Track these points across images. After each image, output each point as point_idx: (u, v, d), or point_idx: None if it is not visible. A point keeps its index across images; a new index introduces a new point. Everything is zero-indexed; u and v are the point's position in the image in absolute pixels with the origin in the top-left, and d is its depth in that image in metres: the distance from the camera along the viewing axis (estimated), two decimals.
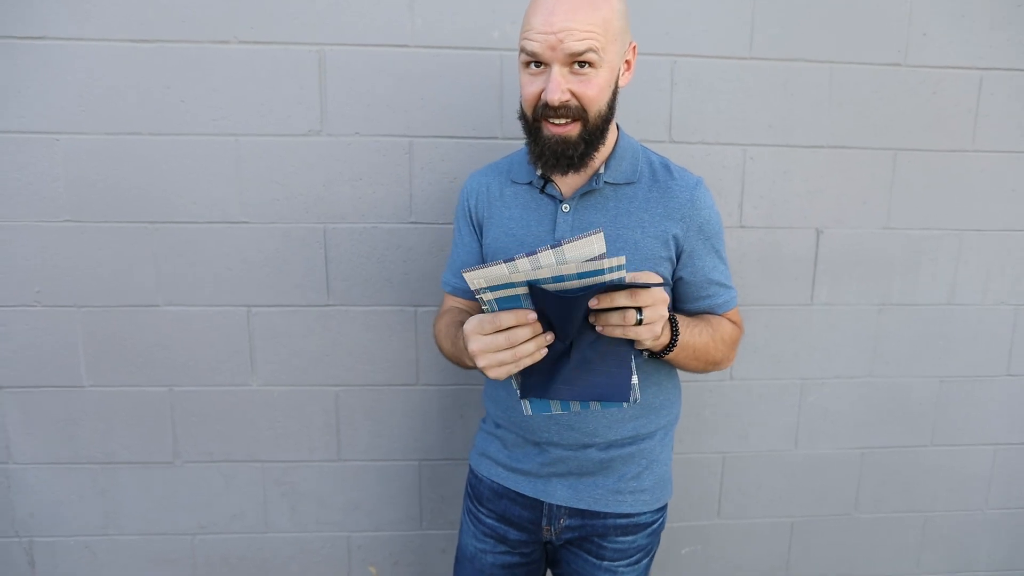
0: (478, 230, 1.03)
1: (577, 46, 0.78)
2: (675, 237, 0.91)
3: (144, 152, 1.30)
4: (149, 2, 1.24)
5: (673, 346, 0.85)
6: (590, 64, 0.80)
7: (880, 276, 1.46)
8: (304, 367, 1.41)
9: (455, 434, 1.46)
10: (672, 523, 1.53)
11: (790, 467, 1.54)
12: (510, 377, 0.78)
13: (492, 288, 0.70)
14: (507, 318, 0.72)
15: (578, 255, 0.66)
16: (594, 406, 0.82)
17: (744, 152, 1.39)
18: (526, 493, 0.99)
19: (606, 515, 0.97)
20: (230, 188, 1.32)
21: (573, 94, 0.81)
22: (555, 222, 0.93)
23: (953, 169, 1.43)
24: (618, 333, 0.73)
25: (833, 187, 1.41)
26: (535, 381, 0.79)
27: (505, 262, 0.66)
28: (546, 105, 0.82)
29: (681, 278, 0.94)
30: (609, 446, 0.96)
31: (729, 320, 0.99)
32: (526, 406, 0.83)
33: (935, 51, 1.37)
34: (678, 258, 0.93)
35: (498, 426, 1.03)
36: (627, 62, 0.88)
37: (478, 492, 1.06)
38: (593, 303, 0.72)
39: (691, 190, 0.92)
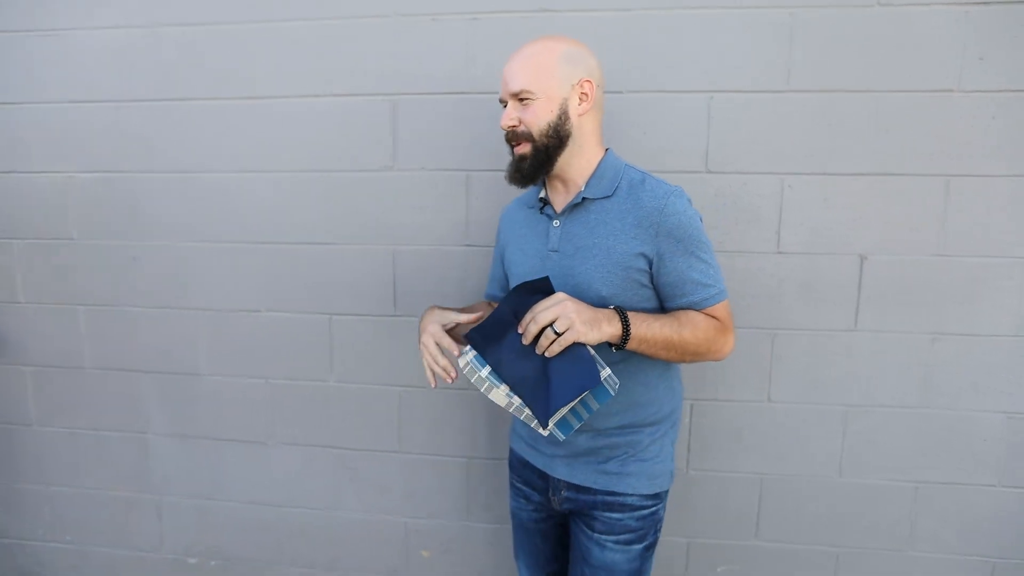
0: (502, 253, 1.26)
1: (513, 86, 1.04)
2: (645, 248, 1.02)
3: (256, 186, 1.60)
4: (264, 69, 1.54)
5: (628, 336, 0.97)
6: (528, 98, 1.03)
7: (933, 304, 1.42)
8: (373, 368, 1.63)
9: (501, 436, 1.61)
10: (707, 540, 1.57)
11: (834, 495, 1.52)
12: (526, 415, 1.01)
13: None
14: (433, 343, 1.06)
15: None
16: (593, 404, 0.98)
17: (782, 181, 1.43)
18: (537, 466, 1.19)
19: (595, 491, 1.11)
20: (319, 215, 1.59)
21: (521, 120, 1.05)
22: (548, 236, 1.11)
23: (1019, 195, 1.37)
24: (555, 349, 0.92)
25: (878, 214, 1.41)
26: (539, 407, 0.95)
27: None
28: (506, 132, 1.07)
29: (659, 281, 1.04)
30: (597, 434, 1.10)
31: (706, 314, 1.05)
32: (557, 433, 1.00)
33: (993, 75, 1.35)
34: (652, 264, 1.03)
35: None
36: (584, 94, 1.05)
37: (512, 462, 1.29)
38: (527, 341, 0.94)
39: (660, 199, 1.02)
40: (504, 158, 1.50)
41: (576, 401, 0.97)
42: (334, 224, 1.59)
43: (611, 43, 1.42)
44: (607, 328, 0.95)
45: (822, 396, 1.48)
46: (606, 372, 0.96)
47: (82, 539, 1.85)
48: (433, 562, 1.70)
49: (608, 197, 1.06)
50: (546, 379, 0.95)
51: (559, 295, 0.95)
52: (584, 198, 1.07)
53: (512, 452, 1.28)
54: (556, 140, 1.05)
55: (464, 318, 1.10)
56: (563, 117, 1.04)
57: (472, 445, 1.63)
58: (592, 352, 0.95)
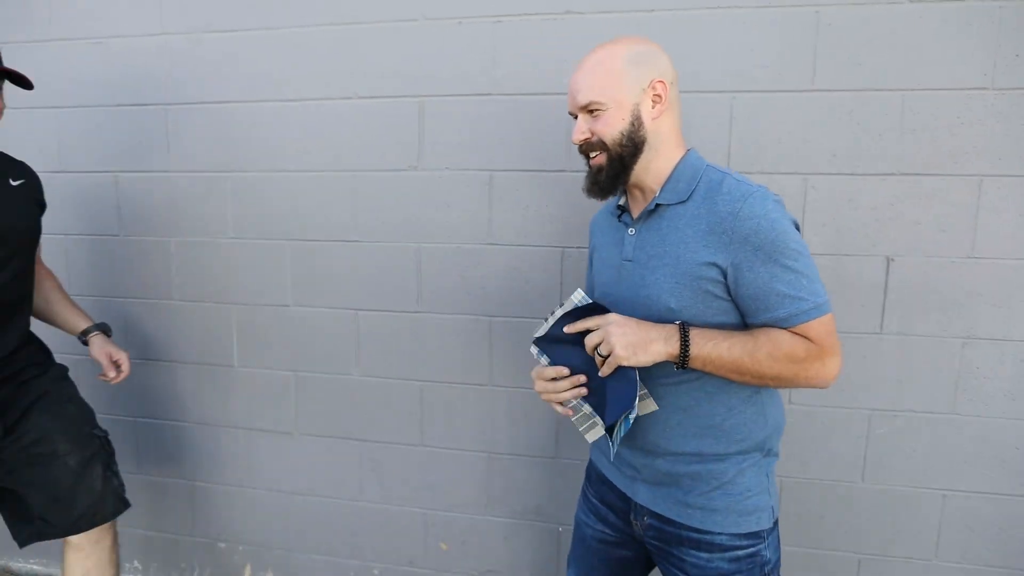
0: (591, 257, 1.22)
1: (581, 100, 1.00)
2: (717, 257, 0.92)
3: (287, 185, 1.66)
4: (294, 73, 1.60)
5: (686, 356, 0.91)
6: (598, 109, 0.99)
7: (964, 308, 1.39)
8: (396, 363, 1.67)
9: (520, 432, 1.63)
10: None
11: (857, 500, 1.49)
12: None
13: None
14: (549, 372, 1.03)
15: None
16: (630, 416, 0.96)
17: (805, 181, 1.42)
18: (618, 486, 1.11)
19: (679, 525, 1.02)
20: (347, 213, 1.64)
21: (593, 132, 1.00)
22: (623, 244, 1.06)
23: None
24: (606, 371, 0.95)
25: (906, 215, 1.39)
26: (602, 414, 1.01)
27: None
28: (579, 145, 1.03)
29: (739, 294, 0.93)
30: (676, 459, 1.01)
31: (795, 334, 0.90)
32: (612, 444, 1.02)
33: None
34: (727, 275, 0.93)
35: None
36: (656, 95, 0.98)
37: (590, 473, 1.22)
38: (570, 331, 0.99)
39: (735, 203, 0.92)
40: (528, 158, 1.54)
41: (620, 420, 0.98)
42: (361, 222, 1.64)
43: None
44: (660, 348, 0.91)
45: (845, 399, 1.46)
46: (637, 400, 0.93)
47: (121, 520, 1.93)
48: (450, 554, 1.73)
49: (683, 202, 0.98)
50: (604, 391, 0.99)
51: (608, 317, 0.94)
52: (658, 204, 1.00)
53: (591, 464, 1.21)
54: (631, 148, 0.99)
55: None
56: (636, 123, 0.98)
57: (492, 440, 1.66)
58: (636, 375, 0.94)
